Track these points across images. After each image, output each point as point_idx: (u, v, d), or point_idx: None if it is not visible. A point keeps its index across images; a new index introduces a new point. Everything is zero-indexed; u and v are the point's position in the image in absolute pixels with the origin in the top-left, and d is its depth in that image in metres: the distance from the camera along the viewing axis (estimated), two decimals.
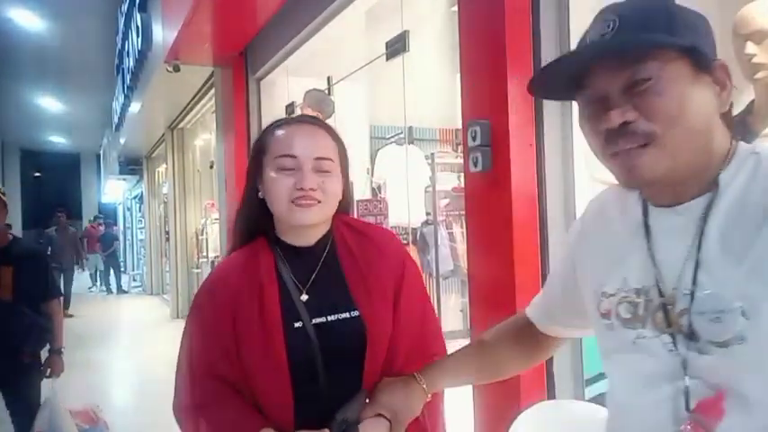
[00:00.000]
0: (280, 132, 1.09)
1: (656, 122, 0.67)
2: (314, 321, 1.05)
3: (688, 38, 0.68)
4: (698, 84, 0.68)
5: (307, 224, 1.06)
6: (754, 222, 0.66)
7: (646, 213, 0.76)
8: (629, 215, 0.79)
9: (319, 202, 1.04)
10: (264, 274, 1.07)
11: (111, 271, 12.67)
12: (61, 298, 2.81)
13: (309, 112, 3.93)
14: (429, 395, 1.04)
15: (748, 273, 0.65)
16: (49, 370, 2.63)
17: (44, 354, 2.68)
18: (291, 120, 1.13)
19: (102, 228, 12.92)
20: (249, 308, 1.05)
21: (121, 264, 14.66)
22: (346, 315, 1.07)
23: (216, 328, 1.06)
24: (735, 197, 0.68)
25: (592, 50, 0.71)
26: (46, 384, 2.63)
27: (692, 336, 0.69)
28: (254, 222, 1.14)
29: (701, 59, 0.68)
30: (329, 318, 1.06)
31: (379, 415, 1.01)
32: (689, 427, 0.68)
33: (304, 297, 1.07)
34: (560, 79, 0.73)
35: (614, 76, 0.68)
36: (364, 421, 1.00)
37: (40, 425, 2.43)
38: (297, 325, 1.04)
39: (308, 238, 1.10)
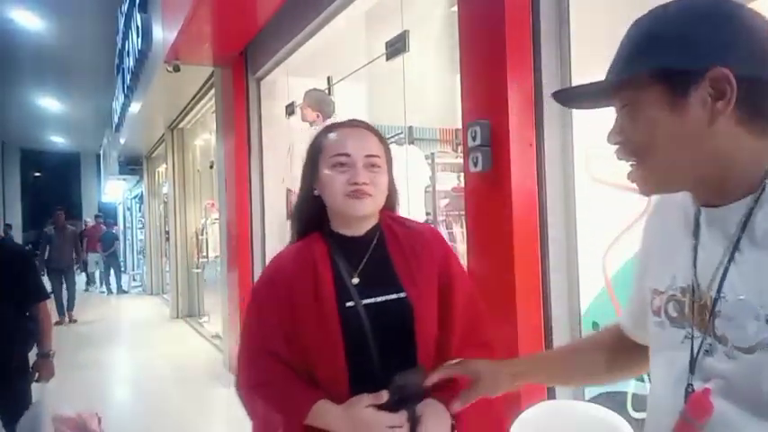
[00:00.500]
0: (333, 134, 1.21)
1: (634, 144, 0.72)
2: (364, 302, 1.15)
3: (666, 58, 0.68)
4: (676, 105, 0.68)
5: (360, 215, 1.18)
6: None
7: (699, 212, 0.76)
8: (686, 213, 0.79)
9: (371, 195, 1.16)
10: (319, 259, 1.19)
11: (112, 271, 12.67)
12: (48, 301, 2.74)
13: (309, 112, 3.93)
14: (515, 385, 1.03)
15: None
16: (37, 374, 2.59)
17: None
18: (343, 123, 1.25)
19: (102, 227, 12.91)
20: (305, 291, 1.17)
21: (122, 264, 14.66)
22: (394, 296, 1.17)
23: (274, 312, 1.18)
24: None
25: (576, 93, 0.81)
26: (39, 388, 2.62)
27: (720, 339, 0.69)
28: (310, 218, 1.25)
29: (678, 78, 0.68)
30: (378, 299, 1.17)
31: (441, 401, 1.08)
32: (678, 419, 0.71)
33: (355, 280, 1.18)
34: (591, 97, 0.81)
35: (615, 99, 0.75)
36: (427, 400, 1.08)
37: (23, 428, 2.40)
38: (349, 304, 1.15)
39: (359, 229, 1.22)
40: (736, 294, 0.68)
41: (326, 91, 4.14)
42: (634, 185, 0.77)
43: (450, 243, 4.96)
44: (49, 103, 13.33)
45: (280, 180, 4.55)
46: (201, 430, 4.02)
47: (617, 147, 0.75)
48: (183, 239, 8.56)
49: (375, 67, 3.57)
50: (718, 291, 0.69)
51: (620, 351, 0.97)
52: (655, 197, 0.87)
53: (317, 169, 1.21)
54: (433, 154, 4.61)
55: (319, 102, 3.92)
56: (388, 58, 2.95)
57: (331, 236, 1.23)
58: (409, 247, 1.22)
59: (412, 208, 4.16)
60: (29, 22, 8.84)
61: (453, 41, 2.16)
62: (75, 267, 10.22)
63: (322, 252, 1.20)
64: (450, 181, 4.79)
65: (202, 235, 7.64)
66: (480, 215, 2.02)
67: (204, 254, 7.53)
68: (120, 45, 8.38)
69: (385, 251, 1.22)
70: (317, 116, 3.91)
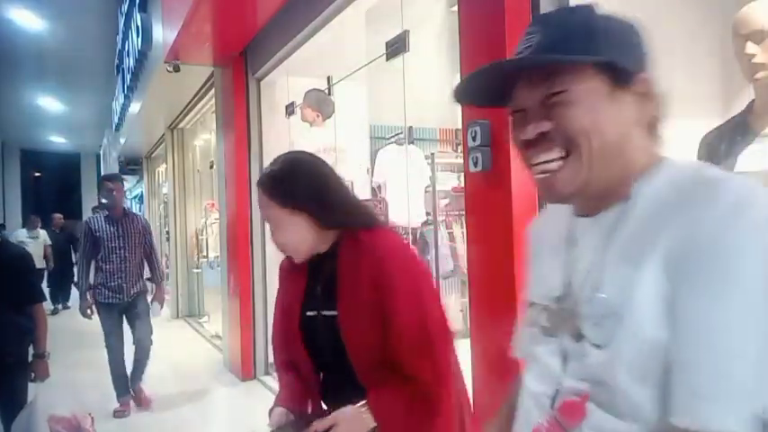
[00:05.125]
0: None
1: (569, 131, 0.69)
2: (308, 314, 1.34)
3: (606, 53, 0.68)
4: (614, 98, 0.70)
5: (299, 263, 1.33)
6: (646, 236, 0.66)
7: (575, 223, 0.78)
8: (561, 226, 0.81)
9: (289, 250, 1.31)
10: (302, 267, 1.37)
11: None
12: (44, 303, 2.80)
13: (309, 112, 3.93)
14: None
15: (633, 282, 0.65)
16: (32, 374, 2.62)
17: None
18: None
19: None
20: (285, 290, 1.42)
21: None
22: (332, 312, 1.29)
23: (277, 306, 1.45)
24: (644, 207, 0.69)
25: (508, 65, 0.73)
26: (33, 388, 2.63)
27: (578, 337, 0.71)
28: None
29: (618, 74, 0.69)
30: (325, 312, 1.30)
31: None
32: (545, 423, 0.72)
33: (317, 292, 1.34)
34: (485, 89, 0.76)
35: (532, 90, 0.71)
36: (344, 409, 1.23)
37: (17, 428, 2.41)
38: (309, 314, 1.33)
39: (322, 249, 1.33)
40: (599, 294, 0.69)
41: (326, 91, 4.14)
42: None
43: (450, 243, 4.97)
44: (49, 103, 13.32)
45: None
46: (201, 430, 4.02)
47: (538, 139, 0.71)
48: (183, 239, 8.56)
49: (375, 67, 3.57)
50: (589, 293, 0.71)
51: None
52: (532, 222, 0.93)
53: None
54: (433, 154, 4.61)
55: (319, 102, 3.92)
56: (388, 58, 2.95)
57: None
58: (350, 263, 1.28)
59: (412, 208, 4.17)
60: (29, 22, 8.83)
61: (453, 41, 2.16)
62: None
63: (303, 263, 1.34)
64: (451, 181, 4.79)
65: (202, 235, 7.64)
66: (480, 215, 2.02)
67: (204, 254, 7.53)
68: (120, 45, 8.38)
69: (335, 269, 1.30)
70: (317, 116, 3.92)
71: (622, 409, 0.66)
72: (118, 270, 4.09)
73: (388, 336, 1.21)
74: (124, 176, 13.59)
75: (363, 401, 1.21)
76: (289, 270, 1.41)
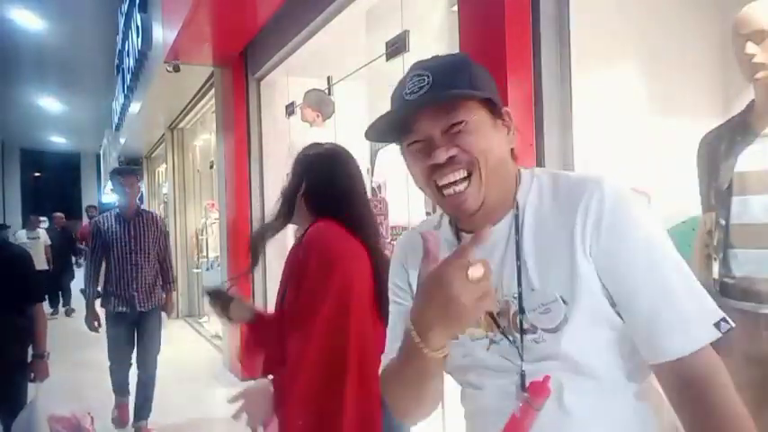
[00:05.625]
0: None
1: (471, 154, 0.82)
2: None
3: (485, 91, 0.85)
4: (495, 126, 0.86)
5: None
6: (551, 229, 0.82)
7: (460, 239, 0.92)
8: (445, 245, 0.90)
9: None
10: None
11: None
12: (43, 303, 2.81)
13: (309, 112, 3.92)
14: None
15: (558, 270, 0.80)
16: (32, 374, 2.63)
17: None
18: None
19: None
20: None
21: None
22: None
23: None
24: (532, 212, 0.85)
25: (416, 104, 0.83)
26: (33, 388, 2.63)
27: (527, 330, 0.83)
28: None
29: (495, 108, 0.86)
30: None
31: None
32: (520, 404, 0.82)
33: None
34: (391, 127, 0.88)
35: (435, 122, 0.83)
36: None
37: (18, 428, 2.41)
38: None
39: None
40: (530, 288, 0.82)
41: (326, 91, 4.14)
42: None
43: None
44: (49, 103, 13.33)
45: (280, 180, 4.55)
46: (201, 430, 4.02)
47: (448, 162, 0.82)
48: (183, 239, 8.56)
49: (375, 67, 3.57)
50: (519, 287, 0.83)
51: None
52: (397, 245, 1.03)
53: None
54: None
55: (319, 102, 3.91)
56: (388, 58, 2.95)
57: None
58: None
59: (412, 208, 4.16)
60: (29, 22, 8.84)
61: (453, 41, 2.16)
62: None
63: None
64: None
65: (202, 235, 7.64)
66: None
67: (204, 254, 7.53)
68: (120, 45, 8.38)
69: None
70: (317, 116, 3.91)
71: (585, 372, 0.80)
72: (129, 277, 3.62)
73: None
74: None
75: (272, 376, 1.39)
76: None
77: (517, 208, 0.87)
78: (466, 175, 0.82)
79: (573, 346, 0.80)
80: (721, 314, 0.76)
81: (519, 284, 0.83)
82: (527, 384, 0.82)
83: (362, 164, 5.03)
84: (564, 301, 0.79)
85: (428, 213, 4.76)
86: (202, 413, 4.26)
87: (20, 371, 2.62)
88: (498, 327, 0.86)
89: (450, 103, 0.82)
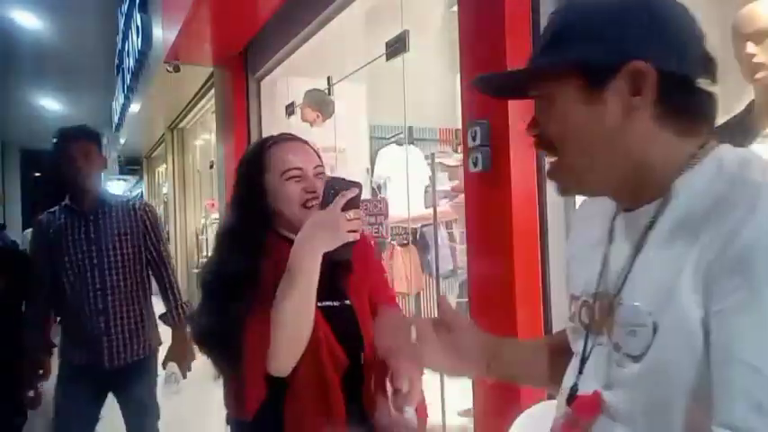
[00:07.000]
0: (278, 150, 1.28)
1: (550, 136, 0.70)
2: (321, 305, 1.20)
3: (583, 50, 0.65)
4: (592, 98, 0.65)
5: None
6: (688, 239, 0.60)
7: (616, 217, 0.75)
8: (604, 218, 0.77)
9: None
10: None
11: None
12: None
13: (309, 111, 3.93)
14: (482, 369, 0.94)
15: (671, 286, 0.60)
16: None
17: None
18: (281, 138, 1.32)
19: None
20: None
21: None
22: (343, 302, 1.28)
23: None
24: (684, 205, 0.63)
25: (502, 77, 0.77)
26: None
27: (615, 346, 0.68)
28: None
29: (596, 73, 0.65)
30: (332, 303, 1.25)
31: None
32: (561, 419, 0.71)
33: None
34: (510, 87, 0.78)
35: (533, 89, 0.73)
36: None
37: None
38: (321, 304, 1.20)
39: None
40: (632, 300, 0.66)
41: (326, 91, 4.14)
42: None
43: (450, 243, 4.97)
44: (49, 103, 13.31)
45: None
46: (201, 430, 4.02)
47: (534, 137, 0.73)
48: (183, 239, 8.56)
49: (375, 67, 3.56)
50: (618, 297, 0.68)
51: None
52: (582, 203, 0.88)
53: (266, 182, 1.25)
54: (433, 154, 4.62)
55: (319, 102, 3.92)
56: (388, 58, 2.95)
57: (285, 239, 1.25)
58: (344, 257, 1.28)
59: (412, 208, 4.16)
60: (29, 22, 8.83)
61: (453, 41, 2.16)
62: None
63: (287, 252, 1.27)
64: (450, 181, 4.77)
65: (202, 235, 7.64)
66: (480, 215, 2.02)
67: (204, 254, 7.53)
68: (120, 45, 8.38)
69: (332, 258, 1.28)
70: (317, 116, 3.92)
71: (637, 420, 0.63)
72: (91, 309, 2.20)
73: None
74: (124, 177, 13.59)
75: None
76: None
77: (668, 197, 0.65)
78: (552, 154, 0.73)
79: (649, 389, 0.63)
80: None
81: (619, 294, 0.68)
82: (575, 397, 0.71)
83: (362, 164, 5.06)
84: (654, 330, 0.62)
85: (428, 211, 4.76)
86: (202, 413, 4.26)
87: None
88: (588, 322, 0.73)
89: (533, 73, 0.73)
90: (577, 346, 0.77)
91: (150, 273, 2.42)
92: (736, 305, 0.55)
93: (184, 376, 2.48)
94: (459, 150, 4.91)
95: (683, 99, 0.65)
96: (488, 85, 0.80)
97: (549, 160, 0.72)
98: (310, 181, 1.24)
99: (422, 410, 1.23)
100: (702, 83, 0.66)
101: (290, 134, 1.35)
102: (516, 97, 0.79)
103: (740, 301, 0.54)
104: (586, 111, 0.66)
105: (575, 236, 0.88)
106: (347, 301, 1.28)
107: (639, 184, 0.67)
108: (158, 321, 2.47)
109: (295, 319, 1.10)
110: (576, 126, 0.67)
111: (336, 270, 1.25)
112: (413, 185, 4.52)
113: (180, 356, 2.43)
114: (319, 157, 1.32)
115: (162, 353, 2.49)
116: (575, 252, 0.85)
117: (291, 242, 1.16)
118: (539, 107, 0.71)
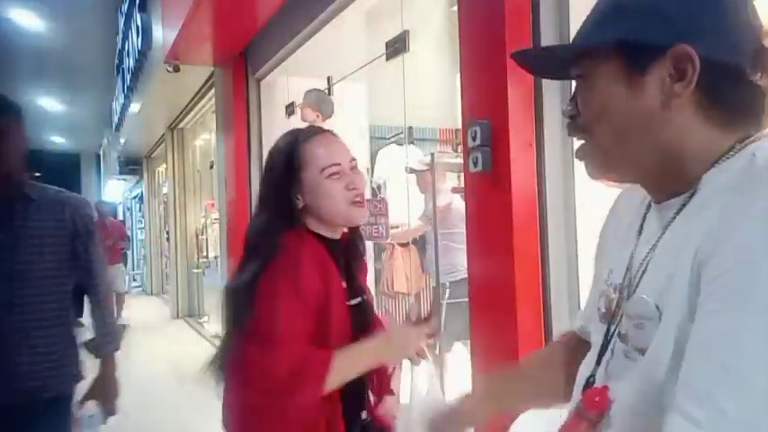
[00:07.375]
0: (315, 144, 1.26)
1: (585, 117, 0.67)
2: (353, 302, 1.28)
3: (628, 31, 0.62)
4: (633, 81, 0.63)
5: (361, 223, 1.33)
6: (693, 231, 0.57)
7: (648, 208, 0.72)
8: (638, 209, 0.75)
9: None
10: (326, 258, 1.24)
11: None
12: None
13: (309, 112, 3.92)
14: (486, 412, 0.98)
15: (672, 283, 0.58)
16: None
17: None
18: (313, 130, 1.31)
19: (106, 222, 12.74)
20: (319, 289, 1.20)
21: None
22: (364, 297, 1.33)
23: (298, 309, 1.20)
24: (707, 198, 0.60)
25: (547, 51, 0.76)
26: None
27: (622, 338, 0.67)
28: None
29: (639, 55, 0.62)
30: (359, 299, 1.31)
31: None
32: (571, 413, 0.69)
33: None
34: (555, 66, 0.74)
35: (575, 67, 0.70)
36: None
37: None
38: (353, 302, 1.27)
39: (338, 232, 1.32)
40: (642, 293, 0.64)
41: (326, 91, 4.14)
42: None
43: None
44: (49, 103, 13.30)
45: None
46: (201, 430, 4.02)
47: (568, 121, 0.71)
48: (183, 239, 8.56)
49: (375, 67, 3.57)
50: (634, 289, 0.67)
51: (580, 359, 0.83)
52: (619, 195, 0.85)
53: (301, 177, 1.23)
54: (433, 154, 4.62)
55: (319, 102, 3.91)
56: (388, 58, 2.95)
57: (317, 236, 1.26)
58: (358, 252, 1.37)
59: (412, 208, 4.16)
60: (29, 22, 8.83)
61: (453, 41, 2.16)
62: None
63: (323, 251, 1.23)
64: (451, 181, 4.78)
65: (202, 235, 7.64)
66: (480, 215, 2.02)
67: (204, 254, 7.53)
68: (120, 45, 8.38)
69: (349, 254, 1.33)
70: (317, 116, 3.91)
71: (645, 412, 0.60)
72: None
73: None
74: (124, 177, 13.53)
75: None
76: (308, 278, 1.23)
77: (695, 190, 0.62)
78: (583, 139, 0.70)
79: (651, 381, 0.60)
80: None
81: (636, 287, 0.67)
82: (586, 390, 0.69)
83: (362, 164, 5.04)
84: (660, 322, 0.60)
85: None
86: (202, 413, 4.26)
87: None
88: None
89: (573, 51, 0.70)
90: (594, 336, 0.77)
91: (78, 285, 1.85)
92: (718, 304, 0.52)
93: (104, 421, 1.88)
94: (458, 150, 4.92)
95: (728, 90, 0.61)
96: (529, 62, 0.76)
97: (580, 141, 0.70)
98: (349, 177, 1.25)
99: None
100: (752, 75, 0.61)
101: (320, 127, 1.34)
102: (556, 77, 0.77)
103: (722, 298, 0.52)
104: (625, 93, 0.63)
105: (607, 227, 0.86)
106: (365, 296, 1.34)
107: (670, 174, 0.64)
108: (82, 349, 1.90)
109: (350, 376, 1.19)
110: (613, 107, 0.64)
111: (352, 265, 1.31)
112: (413, 185, 4.53)
113: (104, 394, 1.87)
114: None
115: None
116: (607, 243, 0.84)
117: (324, 240, 1.23)
118: (579, 87, 0.69)
